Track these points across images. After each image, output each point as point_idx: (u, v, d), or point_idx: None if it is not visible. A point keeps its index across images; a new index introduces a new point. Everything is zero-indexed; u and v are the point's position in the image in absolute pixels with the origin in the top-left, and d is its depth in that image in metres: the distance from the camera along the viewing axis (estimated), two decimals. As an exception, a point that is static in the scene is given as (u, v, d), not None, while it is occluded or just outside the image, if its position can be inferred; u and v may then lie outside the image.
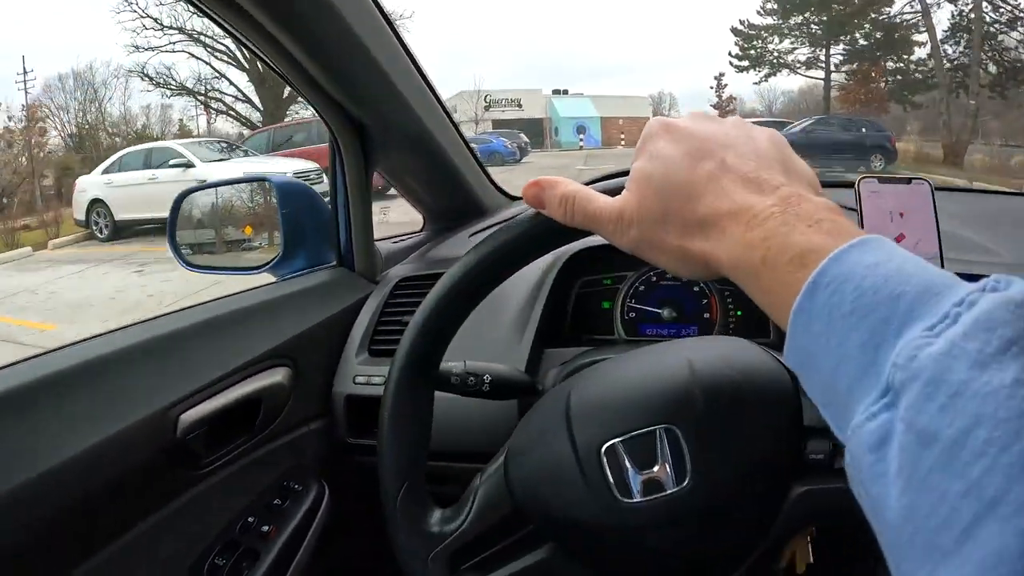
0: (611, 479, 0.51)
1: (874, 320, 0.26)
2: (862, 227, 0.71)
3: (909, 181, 0.72)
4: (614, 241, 0.41)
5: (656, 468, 0.51)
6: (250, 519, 0.80)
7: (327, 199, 1.07)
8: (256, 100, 22.82)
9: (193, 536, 0.74)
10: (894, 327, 0.25)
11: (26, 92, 18.87)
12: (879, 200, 0.72)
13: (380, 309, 1.00)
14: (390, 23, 0.91)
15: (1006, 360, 0.22)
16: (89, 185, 11.25)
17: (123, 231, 10.63)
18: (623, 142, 35.31)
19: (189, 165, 10.23)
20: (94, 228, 10.98)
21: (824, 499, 0.53)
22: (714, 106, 33.30)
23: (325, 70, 0.87)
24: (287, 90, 21.30)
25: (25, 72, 18.76)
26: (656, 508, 0.51)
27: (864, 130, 16.54)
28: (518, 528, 0.58)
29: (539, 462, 0.56)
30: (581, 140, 35.20)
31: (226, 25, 0.78)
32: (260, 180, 1.12)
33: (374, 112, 0.97)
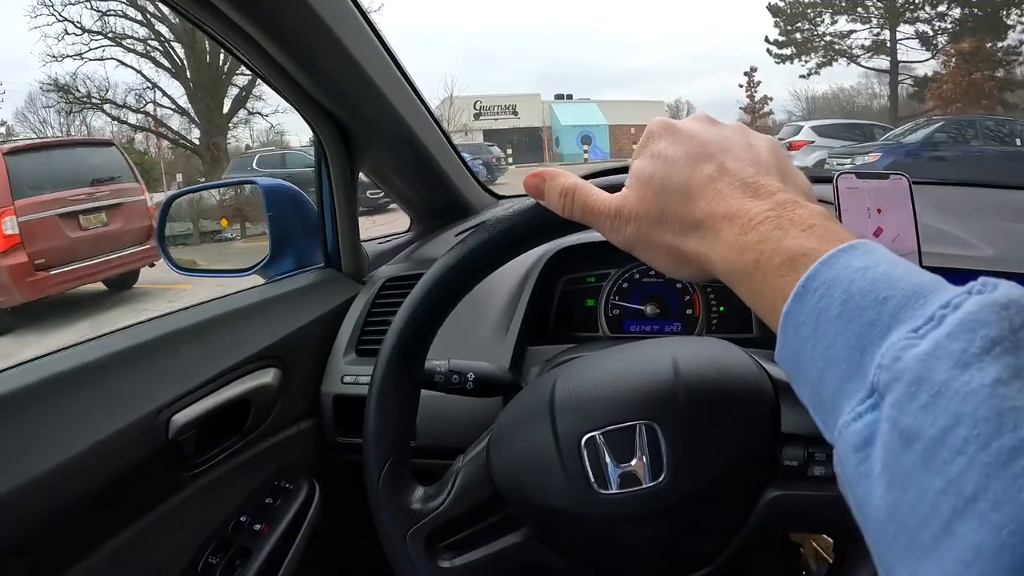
0: (589, 470, 0.53)
1: (861, 323, 0.26)
2: (839, 222, 0.73)
3: (887, 176, 0.74)
4: (610, 237, 0.42)
5: (634, 462, 0.52)
6: (242, 518, 0.81)
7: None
8: (193, 113, 21.14)
9: (186, 536, 0.75)
10: (880, 330, 0.26)
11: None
12: (857, 196, 0.73)
13: (367, 309, 1.01)
14: (370, 23, 0.91)
15: (988, 360, 0.22)
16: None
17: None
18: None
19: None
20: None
21: (795, 505, 0.54)
22: (745, 109, 30.05)
23: (306, 72, 0.88)
24: (227, 105, 20.77)
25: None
26: (631, 501, 0.52)
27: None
28: (495, 511, 0.59)
29: (521, 449, 0.57)
30: (586, 152, 31.46)
31: (207, 28, 0.78)
32: (247, 183, 1.12)
33: (357, 113, 0.98)
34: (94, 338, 0.74)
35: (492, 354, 0.86)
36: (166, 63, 20.55)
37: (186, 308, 0.85)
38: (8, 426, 0.59)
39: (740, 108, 31.37)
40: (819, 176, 1.26)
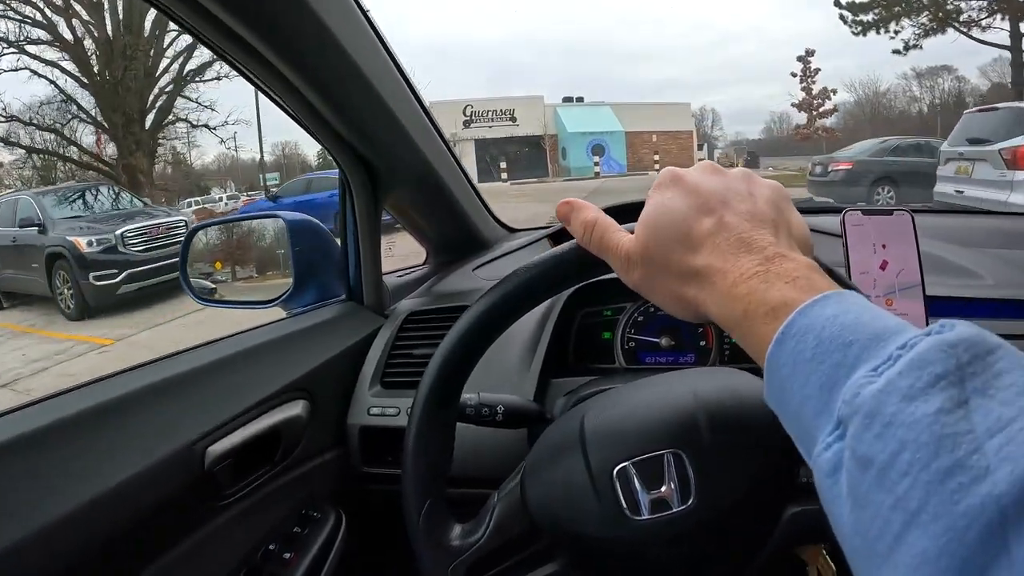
0: (622, 498, 0.56)
1: (830, 364, 0.30)
2: (847, 259, 0.76)
3: (891, 212, 0.77)
4: (621, 276, 0.47)
5: (663, 488, 0.55)
6: (271, 547, 0.83)
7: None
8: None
9: (217, 565, 0.76)
10: (845, 370, 0.29)
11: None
12: (862, 232, 0.76)
13: (391, 342, 1.03)
14: (398, 65, 0.95)
15: (932, 393, 0.25)
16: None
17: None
18: (657, 165, 24.00)
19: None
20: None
21: (814, 519, 0.57)
22: (799, 105, 24.89)
23: (337, 113, 0.92)
24: (149, 121, 17.19)
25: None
26: (662, 525, 0.55)
27: None
28: (532, 543, 0.62)
29: (555, 481, 0.60)
30: (597, 165, 25.94)
31: (242, 68, 0.82)
32: (271, 217, 1.16)
33: (383, 152, 1.02)
34: (129, 369, 0.76)
35: (517, 386, 0.89)
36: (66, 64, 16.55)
37: (218, 340, 0.88)
38: (51, 457, 0.61)
39: (792, 105, 26.55)
40: (828, 208, 1.31)
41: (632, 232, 0.46)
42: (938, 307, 0.80)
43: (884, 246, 0.76)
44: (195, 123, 18.77)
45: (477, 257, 1.27)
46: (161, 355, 0.81)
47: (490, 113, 28.38)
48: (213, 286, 1.25)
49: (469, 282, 1.18)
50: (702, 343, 1.00)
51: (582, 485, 0.57)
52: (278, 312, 1.09)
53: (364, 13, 0.86)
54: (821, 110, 26.62)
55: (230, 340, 0.89)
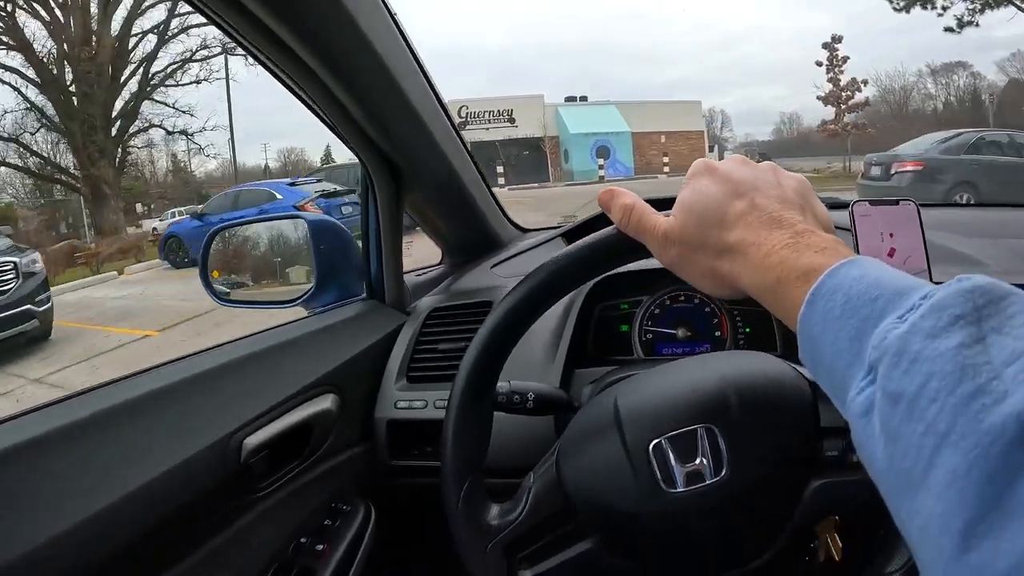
0: (658, 472, 0.58)
1: (858, 319, 0.33)
2: (857, 247, 0.79)
3: (897, 202, 0.80)
4: (657, 256, 0.51)
5: (698, 461, 0.58)
6: (303, 539, 0.85)
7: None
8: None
9: (251, 556, 0.78)
10: (872, 321, 0.32)
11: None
12: (870, 222, 0.79)
13: (415, 338, 1.06)
14: (421, 66, 0.98)
15: (953, 330, 0.28)
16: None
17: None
18: (667, 168, 23.60)
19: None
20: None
21: (838, 491, 0.61)
22: (825, 99, 22.08)
23: (367, 114, 0.94)
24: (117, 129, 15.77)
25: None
26: (697, 497, 0.58)
27: None
28: (567, 521, 0.64)
29: (591, 459, 0.62)
30: (601, 168, 23.83)
31: (276, 70, 0.84)
32: (293, 218, 1.18)
33: (408, 153, 1.04)
34: (166, 363, 0.78)
35: (543, 376, 0.91)
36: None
37: (248, 336, 0.90)
38: (95, 448, 0.62)
39: (818, 98, 23.11)
40: (836, 203, 1.33)
41: (667, 217, 0.50)
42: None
43: (891, 235, 0.79)
44: (170, 130, 17.79)
45: (493, 256, 1.30)
46: (194, 351, 0.83)
47: (487, 114, 26.57)
48: (230, 289, 1.28)
49: (488, 279, 1.20)
50: (717, 333, 1.03)
51: (618, 462, 0.60)
52: (298, 312, 1.11)
53: (393, 17, 0.88)
54: (850, 103, 22.70)
55: (260, 336, 0.90)
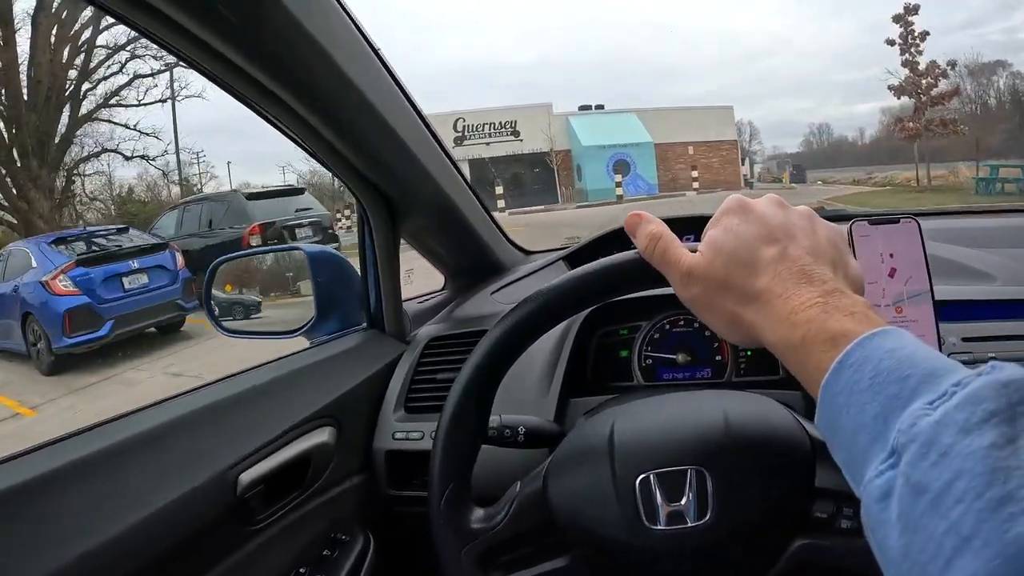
0: (641, 507, 0.58)
1: (886, 396, 0.32)
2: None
3: (898, 220, 0.78)
4: (677, 292, 0.49)
5: (683, 502, 0.58)
6: (302, 569, 0.85)
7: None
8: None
9: None
10: (902, 401, 0.31)
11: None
12: (870, 243, 0.78)
13: (413, 368, 1.06)
14: (406, 94, 0.98)
15: (986, 428, 0.27)
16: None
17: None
18: (695, 184, 20.52)
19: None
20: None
21: (822, 554, 0.59)
22: (898, 89, 17.11)
23: (354, 148, 0.96)
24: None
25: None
26: (676, 537, 0.57)
27: None
28: (547, 535, 0.64)
29: (578, 481, 0.62)
30: (619, 186, 20.12)
31: (260, 109, 0.85)
32: (293, 249, 1.20)
33: (399, 183, 1.05)
34: (164, 400, 0.79)
35: (537, 407, 0.91)
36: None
37: (248, 370, 0.91)
38: (96, 485, 0.63)
39: (890, 88, 17.81)
40: (838, 215, 1.32)
41: (693, 251, 0.49)
42: (949, 311, 0.81)
43: (892, 255, 0.78)
44: (128, 154, 15.31)
45: (494, 281, 1.30)
46: (194, 385, 0.84)
47: (487, 127, 23.02)
48: (236, 318, 1.29)
49: (487, 306, 1.21)
50: (718, 358, 1.02)
51: (605, 488, 0.60)
52: (300, 342, 1.12)
53: (376, 52, 0.89)
54: (934, 93, 17.30)
55: (259, 370, 0.92)
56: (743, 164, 24.67)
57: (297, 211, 8.25)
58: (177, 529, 0.68)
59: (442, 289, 1.40)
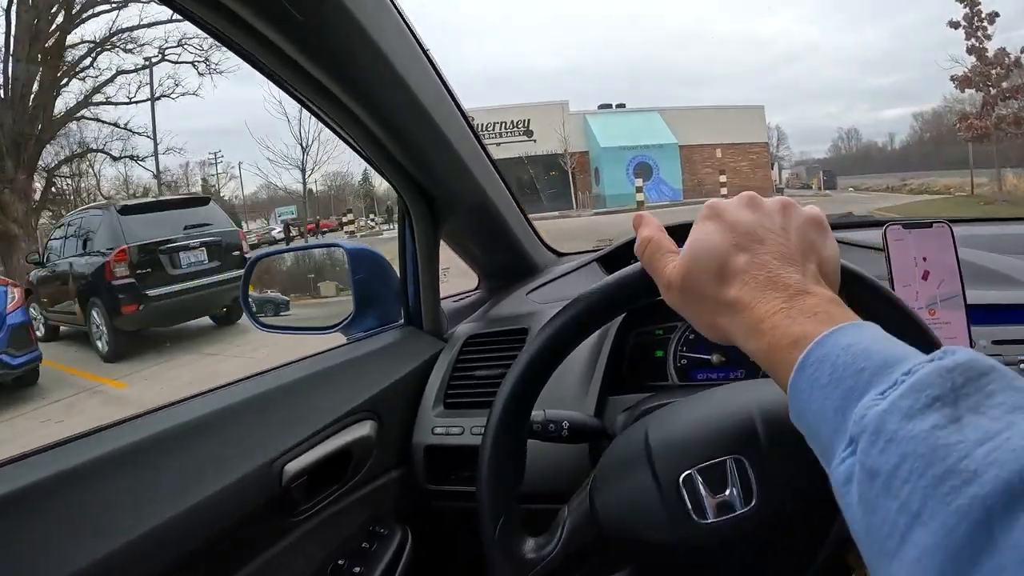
0: (688, 503, 0.59)
1: (843, 389, 0.34)
2: (890, 272, 0.78)
3: (931, 225, 0.79)
4: (663, 296, 0.52)
5: (727, 492, 0.59)
6: (340, 562, 0.87)
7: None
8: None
9: None
10: (856, 394, 0.34)
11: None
12: (903, 246, 0.79)
13: (452, 365, 1.08)
14: (452, 95, 1.00)
15: (929, 412, 0.30)
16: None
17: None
18: (724, 189, 17.68)
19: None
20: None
21: None
22: (962, 80, 14.53)
23: (402, 147, 0.98)
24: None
25: None
26: (727, 527, 0.58)
27: None
28: (601, 554, 0.65)
29: (623, 491, 0.63)
30: (640, 190, 18.55)
31: (311, 106, 0.87)
32: (332, 246, 1.22)
33: (442, 184, 1.07)
34: (211, 390, 0.81)
35: (578, 404, 0.92)
36: None
37: (290, 363, 0.93)
38: (144, 473, 0.65)
39: (953, 79, 15.16)
40: (868, 222, 1.31)
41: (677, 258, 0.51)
42: (980, 315, 0.82)
43: (925, 258, 0.79)
44: (117, 155, 13.68)
45: (529, 281, 1.31)
46: (239, 377, 0.86)
47: (498, 126, 21.32)
48: (268, 315, 1.32)
49: (523, 306, 1.22)
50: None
51: (650, 493, 0.61)
52: (336, 338, 1.14)
53: (425, 52, 0.91)
54: (1004, 86, 14.47)
55: (301, 363, 0.93)
56: (772, 169, 23.34)
57: (186, 228, 6.76)
58: (224, 517, 0.69)
59: (476, 289, 1.41)
